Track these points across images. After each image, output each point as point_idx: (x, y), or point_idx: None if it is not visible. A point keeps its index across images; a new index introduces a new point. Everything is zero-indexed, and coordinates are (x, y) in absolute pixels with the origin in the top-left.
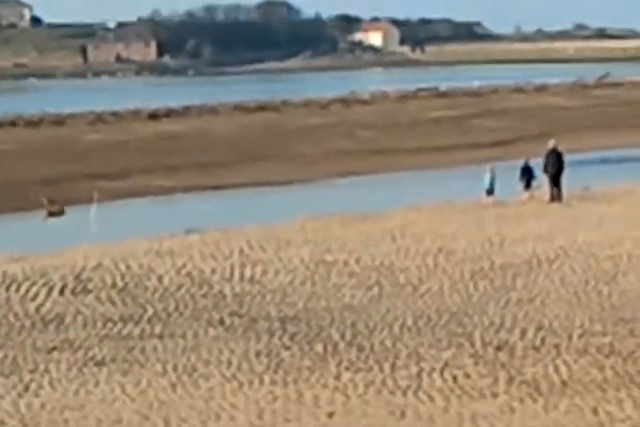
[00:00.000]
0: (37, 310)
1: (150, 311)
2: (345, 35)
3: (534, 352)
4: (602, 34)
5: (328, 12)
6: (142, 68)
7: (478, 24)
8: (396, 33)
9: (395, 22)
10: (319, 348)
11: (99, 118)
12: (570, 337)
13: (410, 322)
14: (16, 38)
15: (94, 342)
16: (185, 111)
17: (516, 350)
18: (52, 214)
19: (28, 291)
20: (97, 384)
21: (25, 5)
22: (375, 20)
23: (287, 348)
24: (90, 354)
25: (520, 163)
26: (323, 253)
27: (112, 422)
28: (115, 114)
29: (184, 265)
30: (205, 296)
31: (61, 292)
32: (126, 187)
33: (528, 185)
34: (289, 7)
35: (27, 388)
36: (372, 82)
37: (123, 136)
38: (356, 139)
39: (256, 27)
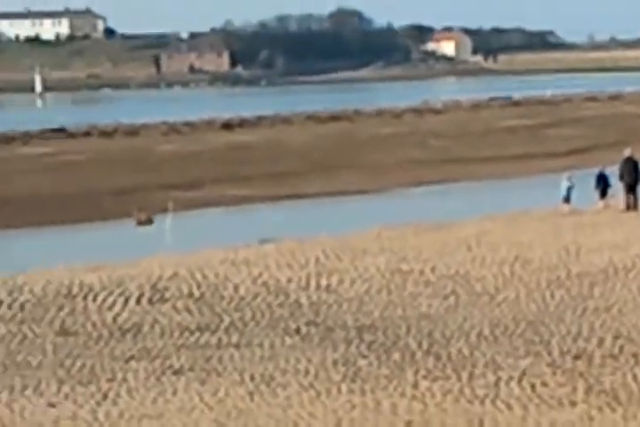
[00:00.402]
0: (114, 319)
1: (227, 320)
2: (417, 44)
3: (612, 361)
4: None
5: (400, 21)
6: (215, 79)
7: (551, 33)
8: (468, 42)
9: (467, 31)
10: (396, 356)
11: (172, 128)
12: None
13: (487, 331)
14: (90, 49)
15: (172, 351)
16: (258, 121)
17: (594, 358)
18: (140, 223)
19: (105, 300)
20: (175, 393)
21: (98, 17)
22: (448, 29)
23: (364, 357)
24: (167, 363)
25: (595, 171)
26: (398, 262)
27: None
28: (188, 124)
29: (260, 274)
30: (282, 305)
31: (138, 301)
32: (200, 197)
33: (604, 194)
34: (361, 17)
35: (105, 397)
36: (445, 91)
37: (196, 146)
38: (429, 148)
39: (328, 36)
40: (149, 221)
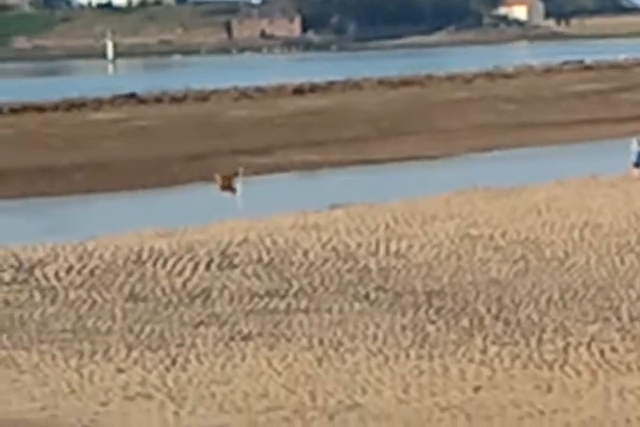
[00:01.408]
0: (184, 285)
1: (296, 286)
2: (489, 9)
3: None
4: None
5: None
6: (286, 44)
7: None
8: (540, 6)
9: None
10: (465, 322)
11: (243, 94)
12: None
13: (556, 296)
14: (161, 15)
15: (240, 316)
16: (329, 86)
17: None
18: (225, 188)
19: (174, 266)
20: (243, 359)
21: None
22: None
23: (433, 322)
24: (236, 329)
25: None
26: (468, 227)
27: (259, 395)
28: (259, 89)
29: (329, 240)
30: (351, 271)
31: (207, 267)
32: (271, 162)
33: None
34: None
35: (174, 362)
36: (517, 56)
37: (267, 112)
38: (500, 113)
39: (400, 2)
40: (233, 188)
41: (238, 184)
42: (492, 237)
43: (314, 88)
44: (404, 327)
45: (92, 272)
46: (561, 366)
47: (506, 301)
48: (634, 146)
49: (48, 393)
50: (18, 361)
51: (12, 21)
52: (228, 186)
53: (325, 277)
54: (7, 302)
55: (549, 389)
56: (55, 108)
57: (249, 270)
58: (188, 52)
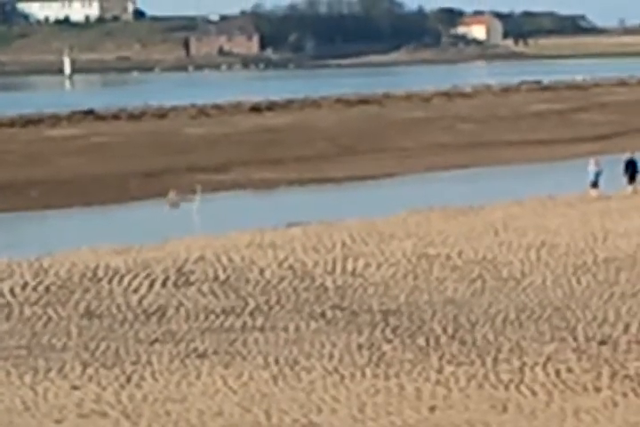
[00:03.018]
0: (140, 302)
1: (252, 304)
2: (448, 28)
3: (638, 347)
4: None
5: (430, 5)
6: (244, 62)
7: (582, 17)
8: (499, 26)
9: (498, 15)
10: (421, 341)
11: (201, 111)
12: None
13: (512, 316)
14: (119, 31)
15: (196, 334)
16: (287, 104)
17: (619, 344)
18: (174, 205)
19: (130, 283)
20: (199, 376)
21: None
22: (478, 13)
23: (389, 341)
24: (192, 346)
25: (624, 157)
26: (425, 246)
27: (214, 414)
28: (217, 107)
29: (286, 258)
30: (307, 289)
31: (164, 284)
32: (228, 180)
33: (632, 179)
34: (391, 0)
35: (129, 379)
36: (475, 75)
37: (225, 129)
38: (458, 132)
39: (358, 20)
40: (177, 204)
41: (195, 202)
42: (448, 257)
43: (272, 106)
44: (360, 346)
45: (47, 289)
46: (517, 386)
47: (462, 320)
48: (591, 166)
49: (2, 410)
50: None
51: None
52: (174, 203)
53: (282, 295)
54: None
55: (505, 409)
56: (12, 124)
57: (205, 288)
58: (145, 68)
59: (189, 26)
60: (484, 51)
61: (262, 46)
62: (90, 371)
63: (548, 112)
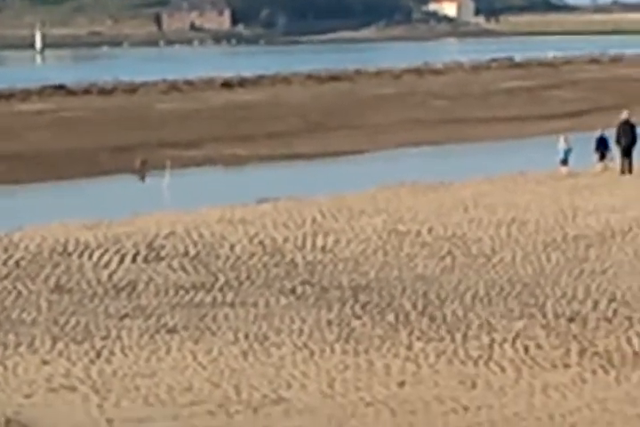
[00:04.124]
0: (110, 277)
1: (222, 279)
2: (419, 5)
3: (607, 324)
4: None
5: None
6: (216, 37)
7: None
8: (470, 3)
9: None
10: (391, 317)
11: (172, 87)
12: None
13: (482, 292)
14: (91, 7)
15: (166, 309)
16: (258, 80)
17: (588, 321)
18: (143, 177)
19: (100, 258)
20: (168, 352)
21: None
22: None
23: (359, 317)
24: (162, 321)
25: (595, 134)
26: (395, 222)
27: (183, 389)
28: (188, 82)
29: (256, 234)
30: (277, 265)
31: (134, 259)
32: (199, 155)
33: (603, 156)
34: None
35: (99, 354)
36: (446, 52)
37: (196, 105)
38: (429, 109)
39: None
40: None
41: (166, 177)
42: (418, 233)
43: (243, 82)
44: (329, 322)
45: (17, 263)
46: (486, 363)
47: (432, 296)
48: (561, 143)
49: None
50: None
51: None
52: (140, 169)
53: (252, 271)
54: None
55: (474, 385)
56: None
57: (175, 263)
58: (117, 43)
59: (161, 1)
60: (455, 28)
61: (234, 22)
62: (59, 346)
63: (519, 89)
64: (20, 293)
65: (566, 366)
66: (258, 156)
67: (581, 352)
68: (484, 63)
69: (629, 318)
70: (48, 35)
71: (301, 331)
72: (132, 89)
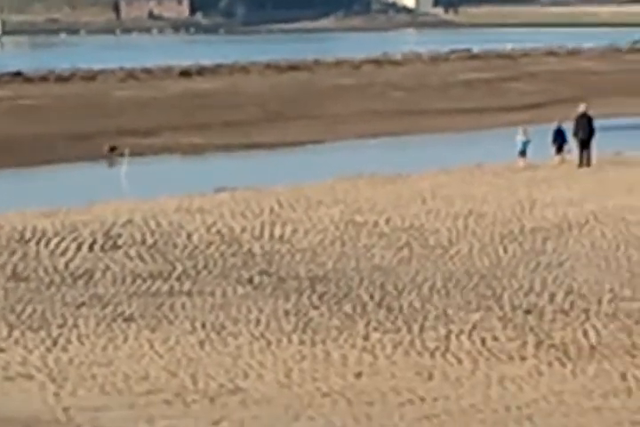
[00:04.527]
0: (66, 265)
1: (179, 268)
2: None
3: (563, 316)
4: None
5: None
6: (175, 26)
7: None
8: None
9: None
10: (348, 308)
11: (130, 75)
12: (599, 302)
13: (439, 284)
14: None
15: (123, 298)
16: (216, 69)
17: (545, 313)
18: (112, 163)
19: (57, 246)
20: (125, 340)
21: None
22: None
23: (316, 307)
24: (118, 310)
25: (552, 126)
26: (353, 213)
27: (139, 378)
28: (146, 71)
29: (214, 223)
30: (235, 254)
31: (91, 248)
32: (157, 144)
33: (560, 149)
34: None
35: (55, 343)
36: (405, 43)
37: (154, 93)
38: (388, 100)
39: None
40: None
41: (123, 165)
42: (376, 224)
43: (201, 70)
44: (286, 312)
45: None
46: (442, 354)
47: (389, 287)
48: (519, 135)
49: None
50: None
51: None
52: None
53: (209, 260)
54: None
55: (430, 376)
56: None
57: (132, 252)
58: (74, 31)
59: None
60: (413, 19)
61: (192, 11)
62: (16, 334)
63: (477, 81)
64: None
65: (523, 358)
66: (216, 145)
67: (538, 344)
68: (443, 54)
69: (586, 311)
70: (6, 21)
71: (258, 321)
72: (91, 76)
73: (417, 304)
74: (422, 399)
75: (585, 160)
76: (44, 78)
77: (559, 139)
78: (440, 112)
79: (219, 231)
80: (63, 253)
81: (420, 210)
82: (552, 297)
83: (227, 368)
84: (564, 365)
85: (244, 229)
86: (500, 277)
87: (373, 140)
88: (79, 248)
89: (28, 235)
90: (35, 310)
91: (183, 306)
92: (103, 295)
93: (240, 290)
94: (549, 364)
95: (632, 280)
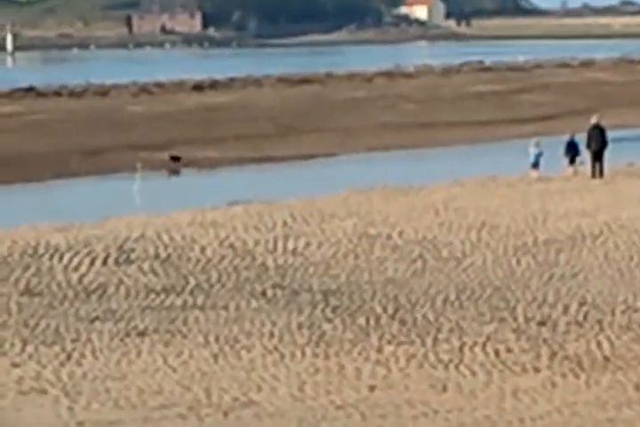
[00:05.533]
0: (80, 280)
1: (193, 282)
2: (390, 8)
3: (577, 328)
4: None
5: None
6: (187, 40)
7: None
8: (441, 6)
9: None
10: (361, 321)
11: (143, 89)
12: (613, 313)
13: (452, 296)
14: (61, 8)
15: (136, 312)
16: (229, 83)
17: (558, 325)
18: (172, 172)
19: (71, 261)
20: (139, 355)
21: None
22: None
23: (329, 320)
24: (132, 324)
25: (565, 138)
26: (366, 226)
27: (153, 392)
28: (159, 85)
29: (227, 237)
30: (248, 268)
31: (104, 262)
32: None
33: (573, 160)
34: None
35: (69, 357)
36: (417, 55)
37: (167, 107)
38: (400, 112)
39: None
40: (178, 171)
41: (136, 180)
42: (389, 237)
43: (214, 84)
44: (300, 325)
45: None
46: (456, 366)
47: (402, 300)
48: (532, 147)
49: None
50: None
51: None
52: (175, 169)
53: (222, 273)
54: None
55: (444, 388)
56: None
57: (146, 266)
58: (87, 46)
59: (131, 3)
60: (426, 31)
61: (205, 25)
62: (29, 348)
63: (490, 93)
64: None
65: (536, 369)
66: (229, 158)
67: (552, 356)
68: (455, 67)
69: (600, 322)
70: (19, 36)
71: (272, 334)
72: (103, 91)
73: (430, 317)
74: (436, 412)
75: (597, 171)
76: (56, 93)
77: (572, 150)
78: (452, 124)
79: (232, 245)
80: (76, 268)
81: (432, 222)
82: (566, 309)
83: (240, 382)
84: (577, 376)
85: (257, 243)
86: (513, 289)
87: (386, 153)
88: (92, 263)
89: (41, 250)
90: (48, 325)
91: (196, 320)
92: (116, 310)
93: (253, 303)
94: (563, 375)
95: None
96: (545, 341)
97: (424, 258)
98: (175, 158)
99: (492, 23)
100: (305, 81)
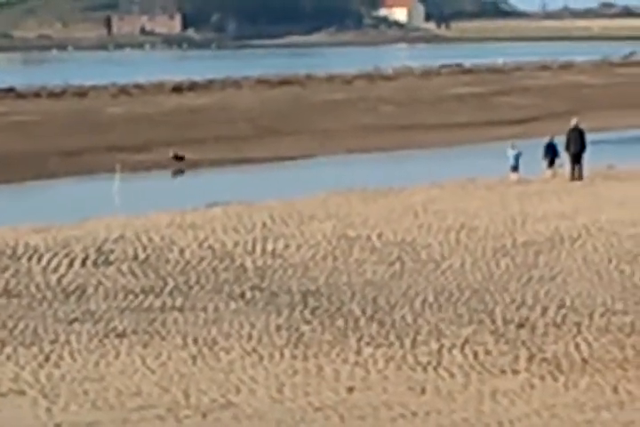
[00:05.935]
0: (59, 281)
1: (171, 284)
2: (370, 10)
3: (555, 330)
4: (628, 12)
5: None
6: (166, 41)
7: (504, 1)
8: (421, 9)
9: None
10: (340, 323)
11: (122, 91)
12: (591, 315)
13: (431, 298)
14: (41, 9)
15: (115, 313)
16: (208, 85)
17: (537, 327)
18: (177, 171)
19: (49, 262)
20: (117, 356)
21: None
22: None
23: (308, 322)
24: (111, 326)
25: (544, 140)
26: (345, 228)
27: (132, 393)
28: (138, 86)
29: (206, 238)
30: (227, 269)
31: (83, 263)
32: (149, 159)
33: (552, 163)
34: None
35: (47, 358)
36: (397, 58)
37: (146, 109)
38: (380, 114)
39: (281, 1)
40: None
41: (115, 181)
42: (368, 239)
43: (193, 86)
44: (278, 327)
45: None
46: (434, 368)
47: (381, 302)
48: (511, 150)
49: None
50: None
51: None
52: (179, 169)
53: (201, 275)
54: None
55: (423, 390)
56: None
57: (124, 268)
58: (67, 47)
59: (111, 4)
60: (405, 33)
61: (184, 26)
62: (8, 350)
63: (469, 95)
64: None
65: (515, 372)
66: (208, 160)
67: (530, 358)
68: (435, 69)
69: (578, 325)
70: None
71: (250, 336)
72: (82, 92)
73: (409, 319)
74: (414, 414)
75: (577, 174)
76: (36, 94)
77: (551, 153)
78: (432, 127)
79: (211, 246)
80: (55, 269)
81: (412, 224)
82: (544, 311)
83: (219, 383)
84: (556, 378)
85: (236, 244)
86: (492, 292)
87: (365, 155)
88: (71, 264)
89: (20, 251)
90: (27, 326)
91: (175, 321)
92: (95, 311)
93: (232, 305)
94: (542, 378)
95: (624, 294)
96: (523, 343)
97: (403, 260)
98: (179, 157)
99: (471, 25)
100: (284, 83)
